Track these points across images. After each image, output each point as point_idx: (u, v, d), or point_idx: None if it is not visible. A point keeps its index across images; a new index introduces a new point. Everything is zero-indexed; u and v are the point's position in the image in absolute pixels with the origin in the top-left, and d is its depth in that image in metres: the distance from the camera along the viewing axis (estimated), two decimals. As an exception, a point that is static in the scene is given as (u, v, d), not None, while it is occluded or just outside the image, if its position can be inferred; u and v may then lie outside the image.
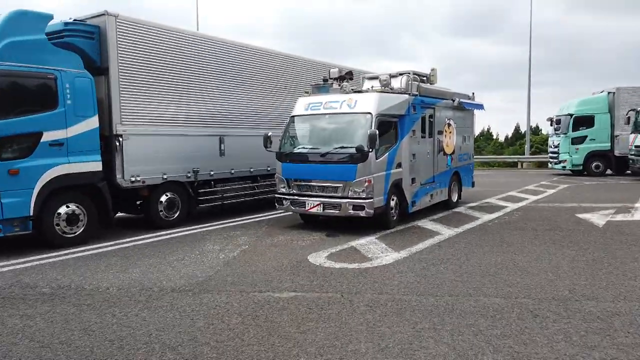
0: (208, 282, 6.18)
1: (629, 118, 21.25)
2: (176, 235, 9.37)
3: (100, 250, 8.13)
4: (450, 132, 12.33)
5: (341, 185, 9.10)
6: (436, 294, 5.61)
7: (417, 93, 10.51)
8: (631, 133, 20.66)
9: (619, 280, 6.08)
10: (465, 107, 12.77)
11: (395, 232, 9.44)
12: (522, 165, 31.73)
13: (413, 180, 10.39)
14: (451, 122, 12.38)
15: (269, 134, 9.93)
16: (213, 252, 7.88)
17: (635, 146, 20.15)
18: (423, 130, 10.95)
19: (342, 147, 9.16)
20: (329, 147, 9.40)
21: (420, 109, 10.69)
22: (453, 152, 12.52)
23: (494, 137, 68.71)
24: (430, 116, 11.29)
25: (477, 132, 67.85)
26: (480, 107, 13.67)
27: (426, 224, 10.30)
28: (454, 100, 12.36)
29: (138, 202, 9.92)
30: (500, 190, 17.09)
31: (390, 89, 9.98)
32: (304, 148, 9.72)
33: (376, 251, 7.80)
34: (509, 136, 70.63)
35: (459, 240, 8.63)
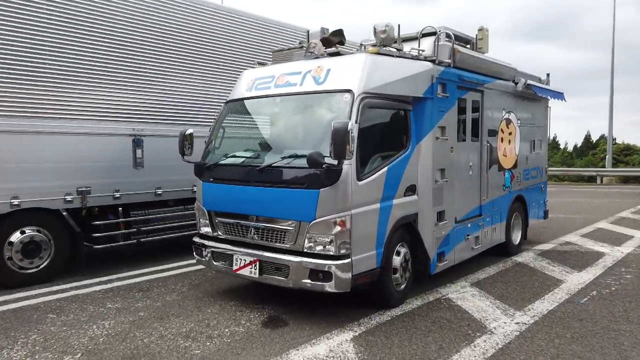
0: None
1: None
2: None
3: None
4: (510, 134, 7.64)
5: (292, 228, 4.75)
6: None
7: (450, 62, 5.96)
8: None
9: None
10: (537, 93, 8.01)
11: (397, 317, 4.95)
12: (601, 180, 25.78)
13: (440, 215, 5.84)
14: (512, 117, 7.68)
15: (187, 132, 5.72)
16: (-16, 375, 3.76)
17: None
18: (462, 129, 6.39)
19: (295, 157, 4.80)
20: (276, 155, 5.09)
21: (457, 90, 6.13)
22: (515, 166, 7.80)
23: (562, 146, 61.52)
24: (475, 104, 6.69)
25: (542, 139, 61.27)
26: (559, 96, 8.83)
27: (463, 296, 5.70)
28: (516, 83, 7.68)
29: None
30: (582, 218, 12.02)
31: (397, 50, 5.49)
32: (235, 157, 5.44)
33: (329, 397, 3.38)
34: (578, 145, 63.14)
35: (526, 354, 4.03)
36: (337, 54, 5.33)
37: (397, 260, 5.23)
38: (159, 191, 7.40)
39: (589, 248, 8.43)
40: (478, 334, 4.53)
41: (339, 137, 4.14)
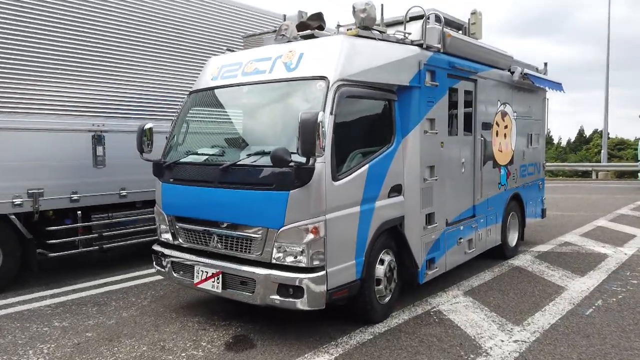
0: None
1: None
2: None
3: None
4: (506, 128, 7.06)
5: (259, 235, 4.13)
6: None
7: (439, 46, 5.36)
8: None
9: None
10: (534, 83, 7.44)
11: (381, 335, 4.36)
12: (597, 176, 25.34)
13: (430, 218, 5.25)
14: (508, 109, 7.11)
15: (146, 127, 5.07)
16: None
17: None
18: (453, 122, 5.81)
19: (262, 154, 4.19)
20: (242, 152, 4.48)
21: (447, 78, 5.53)
22: (511, 162, 7.23)
23: (555, 141, 61.18)
24: (468, 95, 6.11)
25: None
26: (557, 86, 8.27)
27: (455, 307, 5.12)
28: (512, 72, 7.10)
29: None
30: (580, 215, 11.51)
31: (379, 32, 4.87)
32: (197, 155, 4.81)
33: None
34: (571, 140, 62.85)
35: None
36: (311, 36, 4.71)
37: (380, 270, 4.64)
38: (124, 192, 6.76)
39: (590, 249, 7.89)
40: (472, 355, 3.95)
41: (308, 131, 3.53)
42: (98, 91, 6.45)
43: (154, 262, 5.05)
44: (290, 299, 3.94)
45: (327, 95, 4.05)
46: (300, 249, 3.94)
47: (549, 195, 10.27)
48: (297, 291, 3.91)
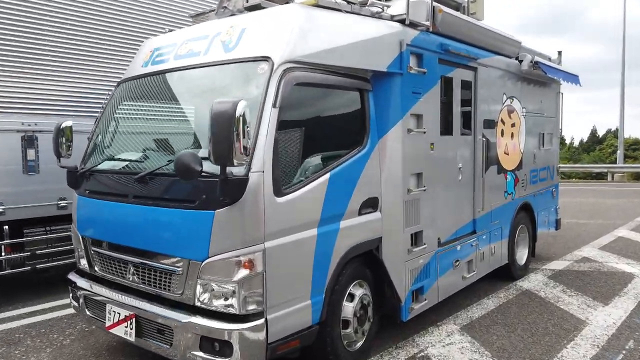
0: None
1: None
2: None
3: None
4: (513, 126, 5.97)
5: (179, 268, 3.11)
6: None
7: (428, 24, 4.29)
8: None
9: None
10: (547, 74, 6.33)
11: (348, 398, 3.32)
12: (612, 177, 24.02)
13: (416, 237, 4.20)
14: (515, 104, 6.02)
15: (64, 125, 4.06)
16: None
17: None
18: (447, 119, 4.74)
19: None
20: (166, 157, 3.46)
21: (439, 65, 4.46)
22: (519, 166, 6.13)
23: (567, 142, 59.56)
24: (467, 86, 5.03)
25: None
26: (574, 79, 7.14)
27: (448, 352, 4.05)
28: (520, 60, 6.01)
29: None
30: (597, 223, 10.36)
31: (347, 2, 3.82)
32: (115, 160, 3.80)
33: None
34: (584, 140, 61.27)
35: None
36: (258, 7, 3.67)
37: (349, 309, 3.59)
38: (63, 203, 5.76)
39: (613, 267, 6.77)
40: None
41: (222, 128, 2.50)
42: (29, 85, 5.46)
43: (70, 295, 4.05)
44: (217, 358, 2.91)
45: (269, 81, 3.02)
46: (231, 289, 2.92)
47: (560, 199, 9.17)
48: (225, 347, 2.88)
